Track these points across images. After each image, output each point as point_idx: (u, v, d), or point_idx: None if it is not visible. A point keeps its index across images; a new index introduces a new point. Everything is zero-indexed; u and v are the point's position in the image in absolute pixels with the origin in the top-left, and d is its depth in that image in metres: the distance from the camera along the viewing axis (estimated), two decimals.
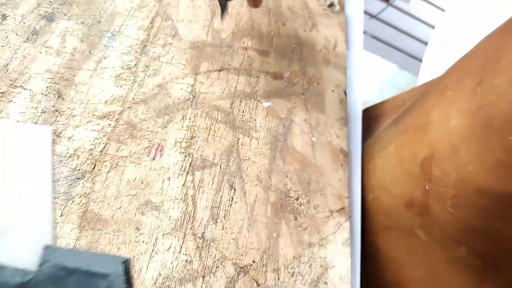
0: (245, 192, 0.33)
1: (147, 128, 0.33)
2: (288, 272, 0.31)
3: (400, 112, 0.39)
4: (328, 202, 0.35)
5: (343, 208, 0.36)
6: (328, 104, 0.42)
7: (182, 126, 0.34)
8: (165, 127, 0.34)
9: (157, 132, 0.33)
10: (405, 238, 0.34)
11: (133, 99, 0.34)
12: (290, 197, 0.34)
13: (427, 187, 0.29)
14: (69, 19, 0.36)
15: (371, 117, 0.52)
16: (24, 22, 0.34)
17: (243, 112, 0.38)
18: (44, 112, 0.30)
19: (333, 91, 0.43)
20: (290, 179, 0.35)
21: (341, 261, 0.33)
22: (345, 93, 0.44)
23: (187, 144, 0.34)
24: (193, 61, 0.39)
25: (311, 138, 0.39)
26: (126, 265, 0.24)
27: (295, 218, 0.34)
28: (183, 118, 0.35)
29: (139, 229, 0.28)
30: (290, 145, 0.37)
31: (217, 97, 0.37)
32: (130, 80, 0.35)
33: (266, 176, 0.35)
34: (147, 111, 0.34)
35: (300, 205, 0.34)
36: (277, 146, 0.37)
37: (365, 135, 0.50)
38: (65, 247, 0.26)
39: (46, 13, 0.35)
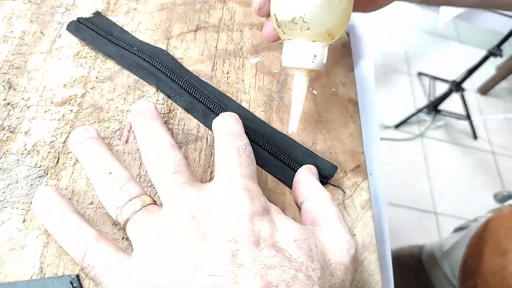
0: None
1: (116, 108, 0.29)
2: None
3: None
4: (339, 161, 0.30)
5: (359, 166, 0.30)
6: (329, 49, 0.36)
7: (157, 100, 0.30)
8: None
9: (128, 111, 0.29)
10: None
11: (97, 78, 0.30)
12: None
13: None
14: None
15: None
16: None
17: (227, 73, 0.33)
18: None
19: None
20: None
21: (362, 227, 0.28)
22: (348, 34, 0.38)
23: (165, 119, 0.29)
24: (163, 24, 0.34)
25: (312, 91, 0.33)
26: (76, 283, 0.21)
27: None
28: (157, 90, 0.30)
29: (116, 225, 0.24)
30: (287, 102, 0.32)
31: (195, 60, 0.32)
32: (91, 56, 0.30)
33: None
34: (114, 89, 0.29)
35: None
36: (272, 106, 0.32)
37: None
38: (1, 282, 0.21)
39: None
